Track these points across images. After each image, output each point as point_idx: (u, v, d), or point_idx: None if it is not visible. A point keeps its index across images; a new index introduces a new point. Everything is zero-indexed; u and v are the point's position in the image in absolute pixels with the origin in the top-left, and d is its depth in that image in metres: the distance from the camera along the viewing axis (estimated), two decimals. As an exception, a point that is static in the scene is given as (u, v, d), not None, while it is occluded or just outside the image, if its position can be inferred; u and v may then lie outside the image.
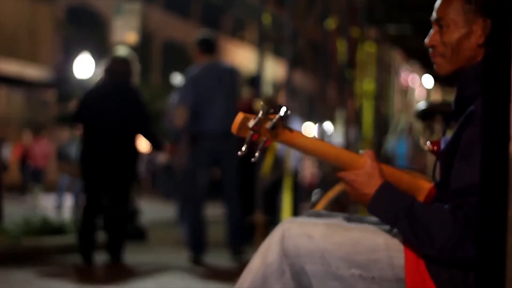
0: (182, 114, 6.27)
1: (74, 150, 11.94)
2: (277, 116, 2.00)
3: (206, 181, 6.40)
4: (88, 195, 6.13)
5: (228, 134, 5.52)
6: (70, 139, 12.87)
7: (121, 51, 6.59)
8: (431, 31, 2.14)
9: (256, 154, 2.03)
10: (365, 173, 2.04)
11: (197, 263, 6.28)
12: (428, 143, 2.30)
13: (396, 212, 1.98)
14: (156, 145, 6.45)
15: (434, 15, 2.14)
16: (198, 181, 6.33)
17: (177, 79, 8.71)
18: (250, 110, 7.34)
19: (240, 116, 1.99)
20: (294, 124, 8.88)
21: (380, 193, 2.01)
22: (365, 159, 2.07)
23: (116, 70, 6.15)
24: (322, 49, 8.77)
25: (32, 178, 15.88)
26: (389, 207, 2.00)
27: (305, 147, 2.07)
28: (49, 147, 16.39)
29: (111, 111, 6.02)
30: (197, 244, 6.31)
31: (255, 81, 8.06)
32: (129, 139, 6.15)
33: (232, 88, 6.46)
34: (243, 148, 2.00)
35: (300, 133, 2.07)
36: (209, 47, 6.45)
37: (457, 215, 1.93)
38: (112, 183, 6.14)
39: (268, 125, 1.99)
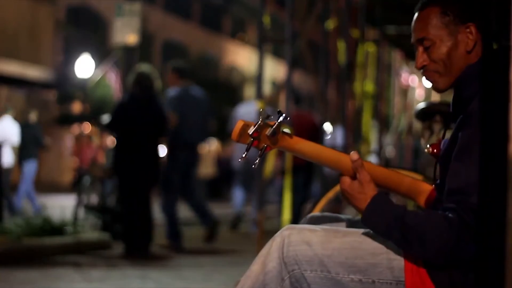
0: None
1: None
2: (276, 123, 1.99)
3: (180, 182, 7.46)
4: (128, 195, 6.96)
5: (198, 145, 7.69)
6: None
7: (144, 68, 7.42)
8: (417, 53, 2.12)
9: (257, 161, 2.03)
10: (357, 187, 2.04)
11: (177, 250, 7.19)
12: (428, 146, 2.31)
13: (387, 226, 1.98)
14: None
15: (414, 36, 2.12)
16: (174, 182, 7.41)
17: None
18: (313, 125, 8.50)
19: (240, 124, 1.98)
20: (338, 132, 9.04)
21: (370, 209, 2.01)
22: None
23: (143, 84, 6.99)
24: (322, 49, 8.77)
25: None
26: (380, 223, 2.00)
27: (305, 153, 2.07)
28: (97, 151, 17.37)
29: (143, 118, 6.87)
30: (173, 232, 7.32)
31: (299, 99, 8.89)
32: (156, 142, 7.03)
33: (206, 108, 7.63)
34: (243, 155, 2.01)
35: (299, 138, 2.06)
36: (185, 73, 7.60)
37: (451, 219, 1.93)
38: (145, 183, 6.97)
39: (268, 131, 1.99)
